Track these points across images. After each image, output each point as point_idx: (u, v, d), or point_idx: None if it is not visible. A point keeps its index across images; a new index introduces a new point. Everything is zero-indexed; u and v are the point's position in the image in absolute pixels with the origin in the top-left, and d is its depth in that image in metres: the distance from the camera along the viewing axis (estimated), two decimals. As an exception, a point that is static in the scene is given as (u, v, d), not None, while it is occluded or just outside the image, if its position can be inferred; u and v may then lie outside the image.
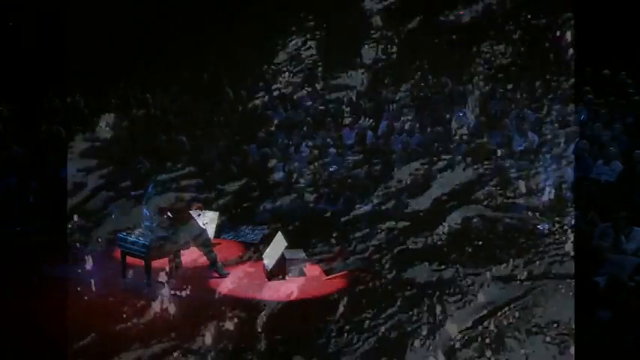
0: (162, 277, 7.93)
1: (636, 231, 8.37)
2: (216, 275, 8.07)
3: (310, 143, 11.36)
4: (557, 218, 9.13)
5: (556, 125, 11.34)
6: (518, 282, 7.92)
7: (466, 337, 6.85)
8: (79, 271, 8.21)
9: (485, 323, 7.09)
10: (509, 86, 13.02)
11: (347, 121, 12.31)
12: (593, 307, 7.10)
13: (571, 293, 7.50)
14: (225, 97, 12.81)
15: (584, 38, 12.77)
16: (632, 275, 7.69)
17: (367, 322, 7.03)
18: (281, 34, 13.94)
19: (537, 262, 8.31)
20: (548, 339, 6.93)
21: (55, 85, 12.53)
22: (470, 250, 8.59)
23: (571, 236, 8.67)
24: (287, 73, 13.67)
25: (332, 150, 11.14)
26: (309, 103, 12.96)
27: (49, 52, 12.62)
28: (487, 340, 6.81)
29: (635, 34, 12.57)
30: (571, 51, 12.87)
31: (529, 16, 13.92)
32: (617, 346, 6.50)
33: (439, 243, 8.71)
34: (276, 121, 12.22)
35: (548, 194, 9.61)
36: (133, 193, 9.79)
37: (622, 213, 8.59)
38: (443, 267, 8.13)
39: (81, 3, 11.88)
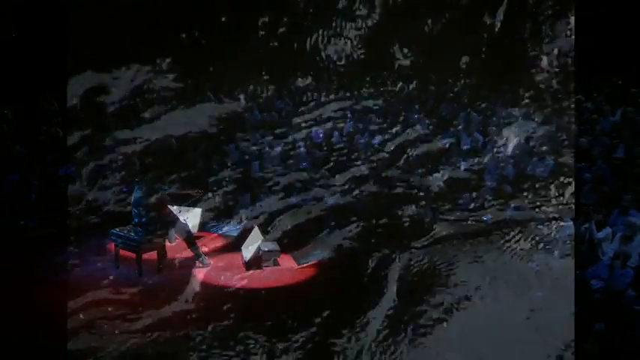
0: None
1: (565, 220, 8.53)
2: (200, 265, 8.01)
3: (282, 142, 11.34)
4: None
5: (498, 126, 11.44)
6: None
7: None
8: (77, 261, 8.09)
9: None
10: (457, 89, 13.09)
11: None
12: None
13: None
14: (207, 100, 12.68)
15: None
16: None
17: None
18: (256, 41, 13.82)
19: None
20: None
21: (53, 90, 12.31)
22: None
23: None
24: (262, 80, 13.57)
25: (302, 149, 11.12)
26: (282, 106, 12.89)
27: (48, 60, 12.38)
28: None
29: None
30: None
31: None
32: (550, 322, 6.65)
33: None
34: (252, 123, 12.15)
35: (490, 189, 9.71)
36: (124, 188, 9.66)
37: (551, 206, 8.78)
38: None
39: (78, 17, 11.63)
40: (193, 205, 8.72)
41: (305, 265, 7.91)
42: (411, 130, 11.39)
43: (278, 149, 11.09)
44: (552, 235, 8.38)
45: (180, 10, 12.99)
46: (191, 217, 8.48)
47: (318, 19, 13.45)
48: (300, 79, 13.73)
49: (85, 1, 11.94)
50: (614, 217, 8.07)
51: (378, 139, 11.38)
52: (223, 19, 13.49)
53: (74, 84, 11.55)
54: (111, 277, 7.67)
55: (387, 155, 10.70)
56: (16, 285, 7.39)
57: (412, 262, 7.82)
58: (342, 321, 6.57)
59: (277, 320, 6.67)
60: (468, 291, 7.16)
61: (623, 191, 8.32)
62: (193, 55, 13.29)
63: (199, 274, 7.83)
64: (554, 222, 8.69)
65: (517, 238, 8.42)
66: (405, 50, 13.33)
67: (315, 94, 13.34)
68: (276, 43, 13.62)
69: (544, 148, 10.38)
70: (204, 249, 8.31)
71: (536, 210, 9.09)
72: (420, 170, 10.21)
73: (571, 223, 8.42)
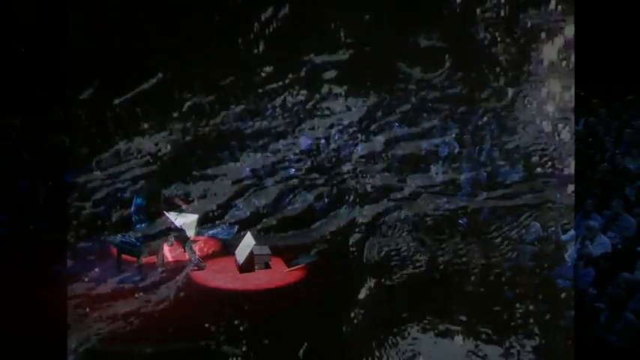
0: None
1: (534, 225, 8.56)
2: (195, 267, 7.98)
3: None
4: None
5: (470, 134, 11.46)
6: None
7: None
8: (81, 265, 8.04)
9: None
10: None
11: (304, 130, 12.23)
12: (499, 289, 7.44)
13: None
14: (203, 110, 12.59)
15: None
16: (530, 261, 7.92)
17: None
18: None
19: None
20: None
21: (59, 101, 12.21)
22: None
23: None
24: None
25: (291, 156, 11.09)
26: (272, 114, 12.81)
27: (53, 74, 12.27)
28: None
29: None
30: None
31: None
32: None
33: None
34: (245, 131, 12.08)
35: (465, 193, 9.74)
36: (124, 194, 9.58)
37: (524, 209, 8.83)
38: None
39: (79, 33, 11.53)
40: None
41: (295, 267, 7.90)
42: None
43: (269, 156, 11.05)
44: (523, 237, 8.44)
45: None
46: (188, 223, 8.43)
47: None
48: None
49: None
50: (578, 221, 8.14)
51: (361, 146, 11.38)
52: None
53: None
54: (113, 280, 7.64)
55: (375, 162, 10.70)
56: (22, 288, 7.30)
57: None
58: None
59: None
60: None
61: (585, 196, 8.39)
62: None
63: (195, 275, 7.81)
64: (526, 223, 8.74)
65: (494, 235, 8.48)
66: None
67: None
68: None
69: (515, 155, 10.40)
70: (200, 253, 8.27)
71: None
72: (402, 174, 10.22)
73: (539, 225, 8.48)
